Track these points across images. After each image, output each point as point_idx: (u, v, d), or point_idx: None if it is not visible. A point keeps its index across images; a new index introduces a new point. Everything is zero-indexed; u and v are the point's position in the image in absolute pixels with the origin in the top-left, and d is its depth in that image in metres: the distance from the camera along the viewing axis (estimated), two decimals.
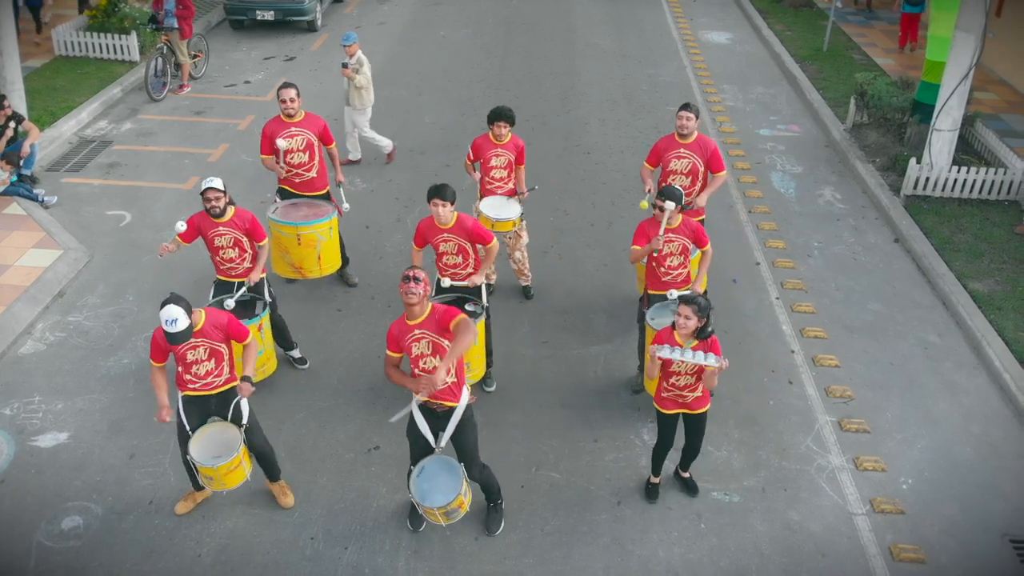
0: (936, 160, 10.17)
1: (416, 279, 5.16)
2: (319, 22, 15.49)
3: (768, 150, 11.62)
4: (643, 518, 6.09)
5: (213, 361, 5.52)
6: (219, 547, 5.73)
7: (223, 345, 5.52)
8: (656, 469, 6.23)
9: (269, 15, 14.82)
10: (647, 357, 5.87)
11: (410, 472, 5.54)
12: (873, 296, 8.63)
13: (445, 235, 6.53)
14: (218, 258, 6.69)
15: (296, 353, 7.31)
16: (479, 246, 6.65)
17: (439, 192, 6.37)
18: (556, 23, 16.71)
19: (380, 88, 13.10)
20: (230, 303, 6.51)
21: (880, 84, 11.62)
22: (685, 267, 6.68)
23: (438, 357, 5.27)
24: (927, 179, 10.12)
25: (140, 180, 10.18)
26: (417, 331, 5.26)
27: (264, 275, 6.83)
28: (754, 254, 9.26)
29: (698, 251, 6.76)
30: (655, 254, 6.61)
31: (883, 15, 17.21)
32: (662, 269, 6.66)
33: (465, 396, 5.48)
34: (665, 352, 5.45)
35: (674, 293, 6.61)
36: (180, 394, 5.59)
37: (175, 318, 5.03)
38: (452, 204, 6.42)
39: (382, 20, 16.48)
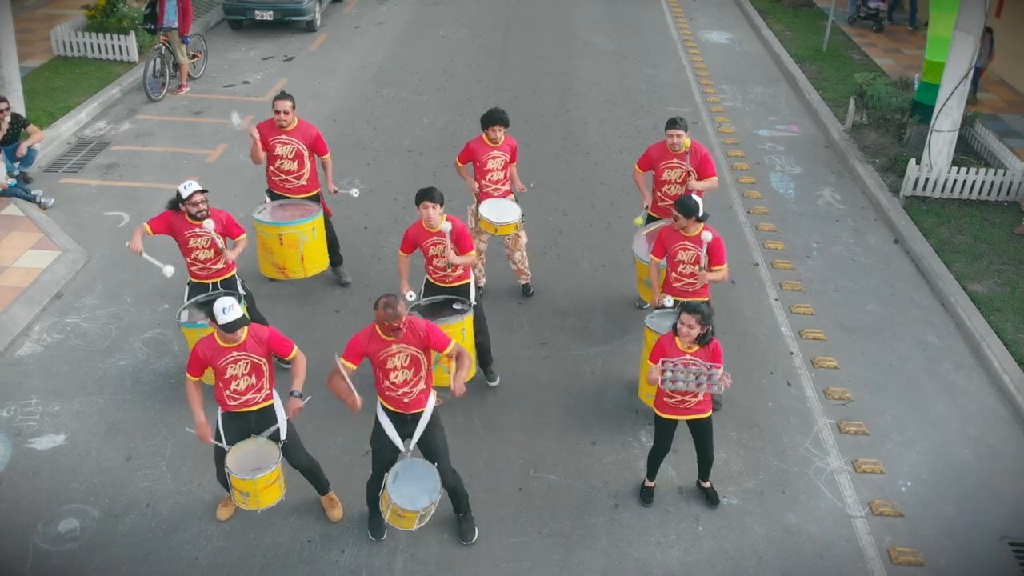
0: (935, 161, 10.15)
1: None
2: (318, 22, 15.47)
3: (767, 150, 11.60)
4: (641, 521, 6.08)
5: (254, 376, 5.43)
6: (216, 550, 5.71)
7: (264, 359, 5.45)
8: (652, 473, 6.21)
9: (268, 15, 14.80)
10: (643, 361, 5.82)
11: (383, 480, 5.44)
12: (872, 297, 8.61)
13: (435, 238, 6.58)
14: (190, 259, 6.68)
15: None
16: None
17: (428, 195, 6.48)
18: (555, 23, 16.68)
19: (379, 87, 13.14)
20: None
21: (879, 84, 11.61)
22: (695, 277, 6.63)
23: (413, 370, 5.35)
24: (926, 180, 10.11)
25: (138, 181, 10.16)
26: (395, 346, 5.29)
27: (235, 271, 6.85)
28: (753, 255, 9.24)
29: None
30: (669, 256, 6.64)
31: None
32: (673, 275, 6.67)
33: (432, 400, 5.54)
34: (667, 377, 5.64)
35: (670, 300, 6.63)
36: (219, 411, 5.52)
37: (229, 305, 4.99)
38: (441, 206, 6.52)
39: (381, 20, 16.46)
